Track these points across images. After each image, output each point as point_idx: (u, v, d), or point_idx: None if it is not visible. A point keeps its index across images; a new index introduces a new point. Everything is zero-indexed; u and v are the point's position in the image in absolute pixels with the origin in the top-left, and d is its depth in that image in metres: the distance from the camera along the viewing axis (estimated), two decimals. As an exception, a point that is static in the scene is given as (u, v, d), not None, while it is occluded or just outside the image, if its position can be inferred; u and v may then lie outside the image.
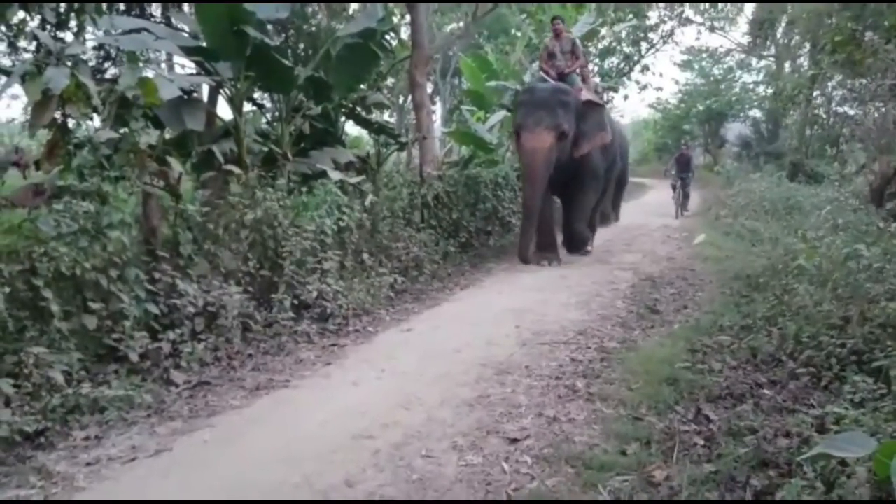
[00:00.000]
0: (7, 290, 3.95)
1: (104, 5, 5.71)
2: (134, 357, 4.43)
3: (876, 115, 14.64)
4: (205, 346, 4.87)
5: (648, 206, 15.77)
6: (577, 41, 10.25)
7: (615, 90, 23.50)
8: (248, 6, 6.51)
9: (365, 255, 7.08)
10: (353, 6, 12.07)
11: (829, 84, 19.28)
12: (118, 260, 4.56)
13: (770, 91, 26.21)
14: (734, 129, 30.50)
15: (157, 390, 4.32)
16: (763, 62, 28.84)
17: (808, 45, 22.33)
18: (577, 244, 10.04)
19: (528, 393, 4.34)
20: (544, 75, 9.94)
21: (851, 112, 18.00)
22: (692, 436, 3.60)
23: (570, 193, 9.84)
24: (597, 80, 23.11)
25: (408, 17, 11.96)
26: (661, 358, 4.84)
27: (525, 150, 8.98)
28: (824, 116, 21.69)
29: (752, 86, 29.48)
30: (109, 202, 4.75)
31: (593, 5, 16.75)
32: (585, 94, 9.55)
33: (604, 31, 19.63)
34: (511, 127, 10.29)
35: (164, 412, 4.06)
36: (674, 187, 16.49)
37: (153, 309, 4.76)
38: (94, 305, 4.39)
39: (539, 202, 9.02)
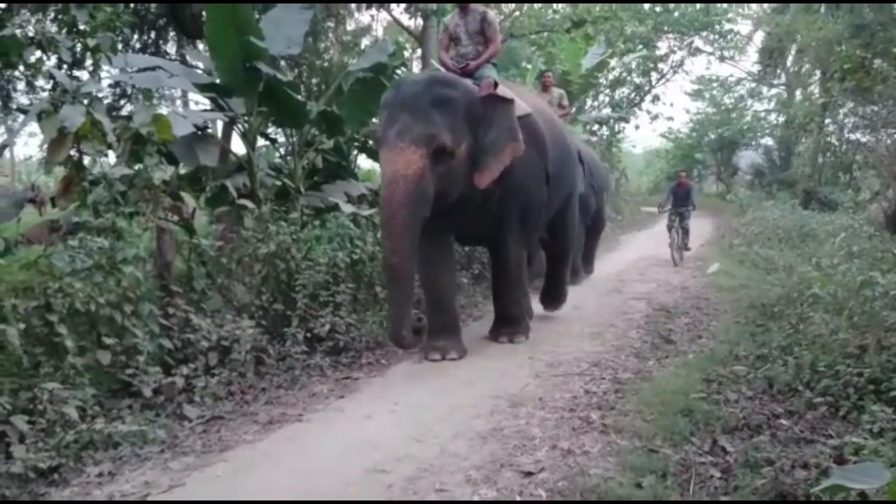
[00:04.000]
0: (22, 326, 3.99)
1: (119, 45, 5.80)
2: (147, 392, 4.44)
3: (888, 141, 14.61)
4: (218, 381, 4.87)
5: (661, 236, 15.70)
6: (492, 17, 6.62)
7: (626, 120, 23.57)
8: (260, 43, 6.59)
9: (378, 288, 7.07)
10: (365, 41, 12.23)
11: (841, 111, 19.30)
12: (132, 295, 4.59)
13: (781, 119, 26.28)
14: (746, 158, 30.46)
15: (171, 425, 4.32)
16: (774, 90, 28.90)
17: (818, 73, 22.38)
18: (508, 321, 6.57)
19: (541, 425, 4.31)
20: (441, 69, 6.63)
21: (864, 139, 17.99)
22: (708, 468, 3.56)
23: (491, 246, 6.65)
24: (608, 110, 23.25)
25: (419, 52, 12.09)
26: (675, 388, 4.81)
27: (382, 178, 5.51)
28: (837, 143, 21.69)
29: (763, 114, 29.51)
30: (124, 238, 4.80)
31: (602, 36, 16.91)
32: (498, 90, 5.83)
33: (614, 62, 19.75)
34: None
35: (177, 447, 4.06)
36: (670, 228, 12.70)
37: (167, 344, 4.78)
38: (109, 341, 4.41)
39: (408, 259, 5.40)
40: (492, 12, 6.69)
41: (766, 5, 25.40)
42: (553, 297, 7.85)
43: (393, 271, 5.39)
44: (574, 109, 16.20)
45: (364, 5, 13.54)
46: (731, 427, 4.08)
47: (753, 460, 3.52)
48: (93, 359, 4.34)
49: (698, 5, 24.60)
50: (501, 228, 6.26)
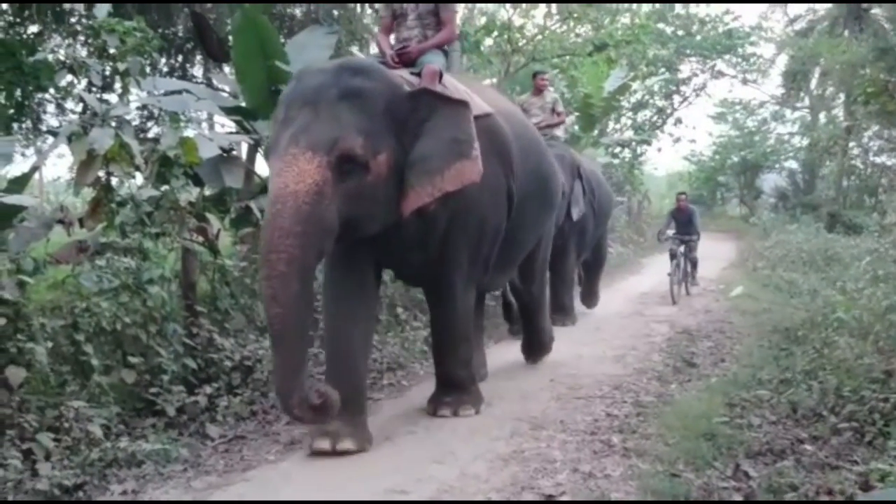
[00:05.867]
0: (50, 344, 4.05)
1: (147, 68, 5.92)
2: (171, 411, 4.48)
3: (914, 164, 14.50)
4: (241, 400, 4.90)
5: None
6: None
7: (649, 143, 23.53)
8: (285, 66, 6.69)
9: (399, 309, 7.10)
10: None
11: (866, 134, 19.20)
12: (157, 315, 4.66)
13: (805, 142, 26.13)
14: (770, 181, 30.24)
15: (194, 444, 4.35)
16: (797, 113, 28.75)
17: (842, 97, 22.28)
18: (452, 388, 5.06)
19: (562, 448, 4.29)
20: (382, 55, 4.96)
21: (889, 162, 17.88)
22: (731, 493, 3.52)
23: (431, 289, 5.11)
24: (630, 133, 23.23)
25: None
26: (698, 412, 4.77)
27: (269, 196, 3.96)
28: (861, 167, 21.56)
29: (786, 137, 29.34)
30: (150, 258, 4.87)
31: (624, 59, 16.95)
32: (433, 83, 4.50)
33: (636, 85, 19.77)
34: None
35: (199, 466, 4.08)
36: (673, 255, 10.94)
37: (191, 363, 4.83)
38: (134, 360, 4.47)
39: (297, 308, 3.81)
40: None
41: (788, 29, 25.43)
42: (536, 348, 6.66)
43: (275, 325, 3.83)
44: (596, 132, 16.23)
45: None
46: (755, 452, 4.04)
47: (777, 486, 3.49)
48: (118, 378, 4.39)
49: (720, 29, 24.61)
50: (446, 266, 4.78)
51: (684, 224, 11.35)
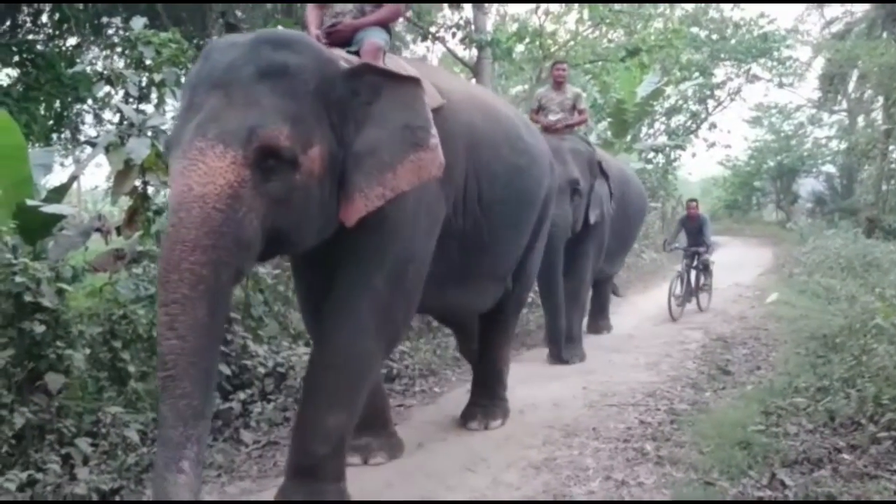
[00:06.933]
0: (88, 351, 4.13)
1: (182, 78, 6.03)
2: (206, 417, 4.52)
3: (956, 168, 14.23)
4: (274, 407, 4.93)
5: (719, 265, 15.49)
6: None
7: (683, 148, 23.37)
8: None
9: (430, 316, 7.10)
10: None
11: (906, 137, 18.87)
12: (192, 322, 4.71)
13: (843, 146, 25.78)
14: (807, 185, 29.87)
15: (228, 450, 4.39)
16: (835, 117, 28.34)
17: (880, 99, 21.94)
18: (305, 462, 3.45)
19: (595, 456, 4.27)
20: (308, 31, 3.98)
21: (930, 166, 17.55)
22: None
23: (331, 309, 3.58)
24: (663, 138, 23.07)
25: (472, 82, 12.19)
26: (733, 421, 4.71)
27: (170, 203, 2.90)
28: (901, 171, 21.15)
29: (824, 141, 28.95)
30: (185, 266, 4.93)
31: (657, 64, 16.86)
32: (375, 60, 3.60)
33: (669, 89, 19.65)
34: None
35: (234, 472, 4.12)
36: (681, 278, 10.05)
37: (225, 370, 4.87)
38: (169, 366, 4.52)
39: (198, 341, 2.63)
40: None
41: (825, 31, 25.10)
42: (490, 392, 5.14)
43: (168, 361, 2.64)
44: (630, 138, 16.14)
45: (419, 38, 13.76)
46: (791, 461, 3.98)
47: (814, 495, 3.45)
48: (154, 384, 4.45)
49: (755, 32, 24.37)
50: (349, 289, 3.50)
51: (694, 233, 10.55)
